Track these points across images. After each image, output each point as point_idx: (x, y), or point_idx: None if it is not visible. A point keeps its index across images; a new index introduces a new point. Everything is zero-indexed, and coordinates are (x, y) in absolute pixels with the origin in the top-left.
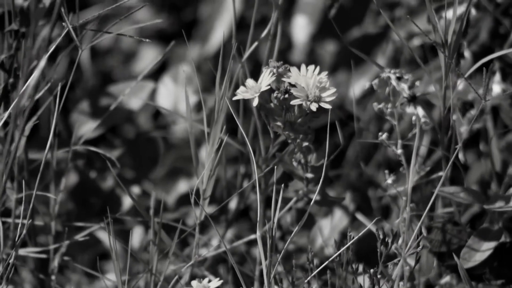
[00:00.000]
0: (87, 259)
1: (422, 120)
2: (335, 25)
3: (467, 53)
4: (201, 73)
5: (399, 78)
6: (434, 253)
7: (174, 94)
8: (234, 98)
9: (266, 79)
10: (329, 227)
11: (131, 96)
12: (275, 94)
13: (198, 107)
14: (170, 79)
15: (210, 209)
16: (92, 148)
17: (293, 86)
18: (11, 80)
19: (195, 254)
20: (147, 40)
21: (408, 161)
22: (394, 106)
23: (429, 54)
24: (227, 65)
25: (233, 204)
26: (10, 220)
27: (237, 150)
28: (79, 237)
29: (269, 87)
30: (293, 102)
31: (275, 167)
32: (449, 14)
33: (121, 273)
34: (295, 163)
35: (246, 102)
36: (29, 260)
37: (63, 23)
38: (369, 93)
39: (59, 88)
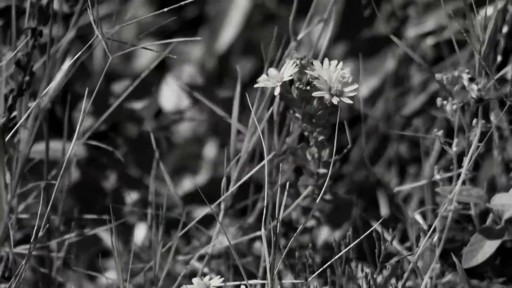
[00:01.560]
0: (88, 257)
1: (482, 121)
2: (348, 25)
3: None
4: (205, 71)
5: (471, 79)
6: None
7: (177, 94)
8: (256, 86)
9: (289, 69)
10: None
11: (133, 94)
12: (297, 85)
13: (200, 106)
14: (173, 78)
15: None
16: (98, 144)
17: (316, 78)
18: (27, 78)
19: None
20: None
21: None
22: (458, 103)
23: (445, 52)
24: (235, 64)
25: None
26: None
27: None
28: (82, 235)
29: (291, 77)
30: (315, 94)
31: (280, 164)
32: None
33: (122, 270)
34: (309, 157)
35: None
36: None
37: (96, 32)
38: (377, 93)
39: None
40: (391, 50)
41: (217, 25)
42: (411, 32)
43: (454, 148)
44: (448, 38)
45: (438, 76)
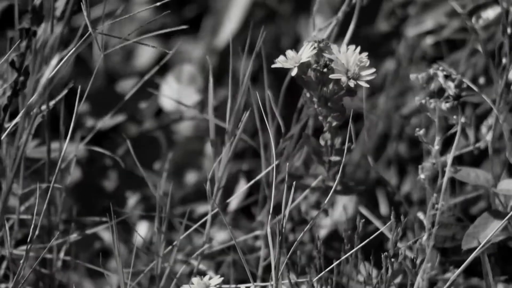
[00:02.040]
0: (89, 257)
1: (463, 119)
2: (349, 23)
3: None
4: (205, 71)
5: (446, 76)
6: (438, 249)
7: (178, 92)
8: (273, 66)
9: (307, 51)
10: (330, 223)
11: (136, 93)
12: (314, 66)
13: (201, 105)
14: (173, 78)
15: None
16: (97, 149)
17: (333, 61)
18: (21, 78)
19: (197, 248)
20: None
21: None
22: (437, 102)
23: (445, 50)
24: (235, 62)
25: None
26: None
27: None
28: (83, 234)
29: (309, 59)
30: (332, 76)
31: (281, 161)
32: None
33: (123, 270)
34: (322, 142)
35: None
36: (30, 258)
37: (89, 28)
38: (378, 91)
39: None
40: (391, 49)
41: (218, 21)
42: (411, 31)
43: (436, 147)
44: (447, 37)
45: (412, 76)
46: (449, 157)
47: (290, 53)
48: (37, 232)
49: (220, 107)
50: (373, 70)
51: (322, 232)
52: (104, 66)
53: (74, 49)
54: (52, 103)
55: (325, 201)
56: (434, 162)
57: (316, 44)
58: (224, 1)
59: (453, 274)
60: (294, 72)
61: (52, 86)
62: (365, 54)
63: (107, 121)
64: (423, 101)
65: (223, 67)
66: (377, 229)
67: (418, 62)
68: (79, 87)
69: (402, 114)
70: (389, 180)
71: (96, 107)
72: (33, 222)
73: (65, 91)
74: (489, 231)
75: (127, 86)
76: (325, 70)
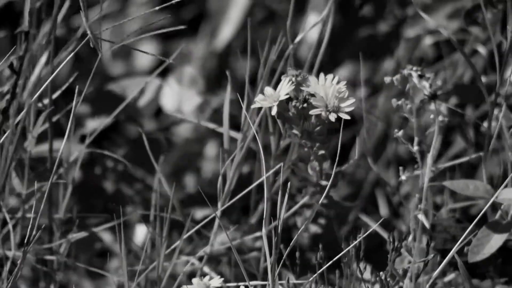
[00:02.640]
0: (89, 257)
1: (441, 118)
2: (345, 25)
3: None
4: (205, 71)
5: (420, 76)
6: (438, 251)
7: (178, 94)
8: (253, 106)
9: (285, 87)
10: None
11: (135, 94)
12: (293, 103)
13: (201, 108)
14: (174, 80)
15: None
16: (98, 151)
17: (312, 95)
18: (20, 81)
19: (197, 251)
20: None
21: (422, 159)
22: (413, 102)
23: (444, 51)
24: (234, 64)
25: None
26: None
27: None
28: (84, 235)
29: (287, 96)
30: (312, 112)
31: (282, 164)
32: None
33: (124, 271)
34: (310, 171)
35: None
36: (31, 258)
37: (87, 30)
38: (376, 92)
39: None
40: (391, 50)
41: (217, 22)
42: (410, 32)
43: (416, 147)
44: (447, 37)
45: (387, 79)
46: (429, 157)
47: (268, 90)
48: (35, 233)
49: (219, 110)
50: (353, 100)
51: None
52: (104, 66)
53: (70, 49)
54: (44, 102)
55: (310, 216)
56: (416, 166)
57: (293, 78)
58: (222, 2)
59: (454, 276)
60: (274, 111)
61: (49, 87)
62: (343, 83)
63: (105, 122)
64: (399, 102)
65: (223, 68)
66: (377, 232)
67: (417, 63)
68: (77, 87)
69: (401, 114)
70: (389, 180)
71: (95, 107)
72: (31, 222)
73: (60, 91)
74: (493, 243)
75: (127, 87)
76: (305, 105)
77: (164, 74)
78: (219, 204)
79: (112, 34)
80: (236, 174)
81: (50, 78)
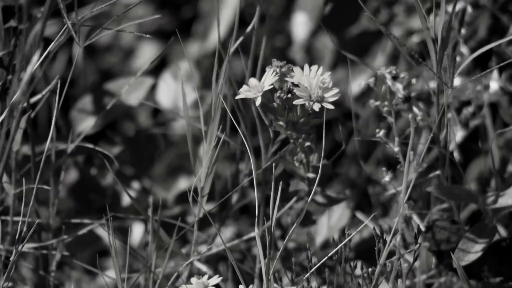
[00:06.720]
0: (87, 256)
1: (418, 118)
2: (335, 22)
3: (464, 50)
4: (201, 69)
5: (394, 78)
6: (433, 252)
7: (174, 91)
8: (237, 97)
9: (269, 78)
10: (328, 225)
11: (130, 92)
12: (278, 94)
13: (197, 104)
14: (170, 76)
15: (209, 207)
16: (91, 146)
17: (296, 86)
18: (9, 77)
19: (193, 251)
20: (148, 35)
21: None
22: (390, 104)
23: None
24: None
25: (232, 201)
26: (8, 217)
27: (237, 147)
28: (79, 233)
29: (272, 86)
30: (296, 102)
31: (274, 164)
32: (448, 10)
33: (120, 270)
34: (296, 163)
35: (245, 99)
36: (29, 257)
37: (64, 20)
38: (367, 90)
39: (58, 84)
40: (381, 47)
41: (208, 24)
42: (397, 31)
43: (396, 148)
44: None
45: (362, 83)
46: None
47: (252, 81)
48: (31, 231)
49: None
50: (336, 90)
51: (319, 239)
52: (100, 66)
53: (55, 44)
54: (35, 99)
55: (302, 213)
56: (399, 166)
57: (278, 69)
58: (214, 3)
59: (449, 276)
60: (258, 102)
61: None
62: (327, 74)
63: (100, 120)
64: (377, 103)
65: (218, 66)
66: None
67: (405, 61)
68: (67, 84)
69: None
70: (380, 179)
71: (91, 105)
72: (26, 221)
73: (49, 87)
74: (477, 248)
75: (122, 84)
76: (289, 96)
77: (161, 73)
78: (206, 204)
79: (112, 35)
80: (229, 172)
81: (31, 73)
